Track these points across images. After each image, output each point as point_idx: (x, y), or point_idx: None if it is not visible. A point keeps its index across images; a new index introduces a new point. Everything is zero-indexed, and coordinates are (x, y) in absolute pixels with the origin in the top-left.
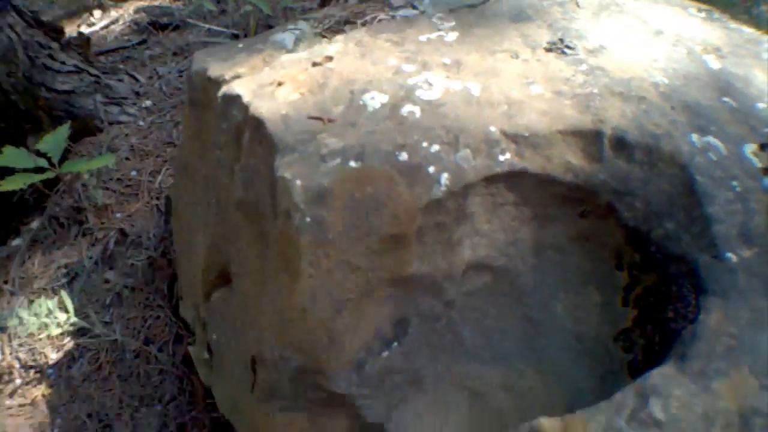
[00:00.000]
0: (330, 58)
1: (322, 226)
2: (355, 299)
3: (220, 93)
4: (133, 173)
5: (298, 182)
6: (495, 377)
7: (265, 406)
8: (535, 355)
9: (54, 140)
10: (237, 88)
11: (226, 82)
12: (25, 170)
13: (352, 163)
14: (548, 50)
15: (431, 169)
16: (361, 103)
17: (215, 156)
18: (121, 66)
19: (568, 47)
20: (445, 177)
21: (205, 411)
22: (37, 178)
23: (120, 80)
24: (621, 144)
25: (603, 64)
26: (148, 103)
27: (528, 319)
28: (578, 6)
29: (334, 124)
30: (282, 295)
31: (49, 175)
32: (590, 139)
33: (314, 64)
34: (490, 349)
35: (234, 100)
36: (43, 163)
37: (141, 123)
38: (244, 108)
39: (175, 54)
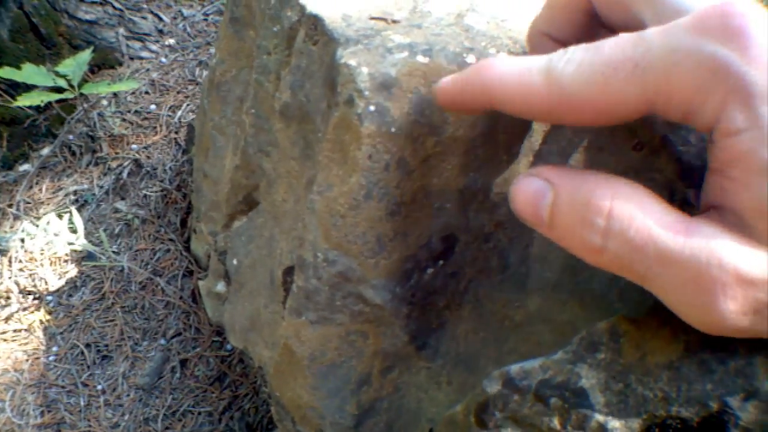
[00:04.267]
0: None
1: (385, 116)
2: (408, 204)
3: None
4: (152, 107)
5: (365, 69)
6: (536, 308)
7: (295, 320)
8: (579, 287)
9: (75, 63)
10: None
11: None
12: (43, 89)
13: (420, 58)
14: None
15: None
16: (425, 9)
17: (261, 62)
18: (145, 5)
19: None
20: None
21: (211, 348)
22: (54, 96)
23: (143, 18)
24: None
25: None
26: (171, 41)
27: None
28: None
29: (399, 25)
30: (333, 191)
31: (68, 95)
32: None
33: None
34: (532, 279)
35: (288, 0)
36: (62, 83)
37: (163, 60)
38: (300, 8)
39: None
